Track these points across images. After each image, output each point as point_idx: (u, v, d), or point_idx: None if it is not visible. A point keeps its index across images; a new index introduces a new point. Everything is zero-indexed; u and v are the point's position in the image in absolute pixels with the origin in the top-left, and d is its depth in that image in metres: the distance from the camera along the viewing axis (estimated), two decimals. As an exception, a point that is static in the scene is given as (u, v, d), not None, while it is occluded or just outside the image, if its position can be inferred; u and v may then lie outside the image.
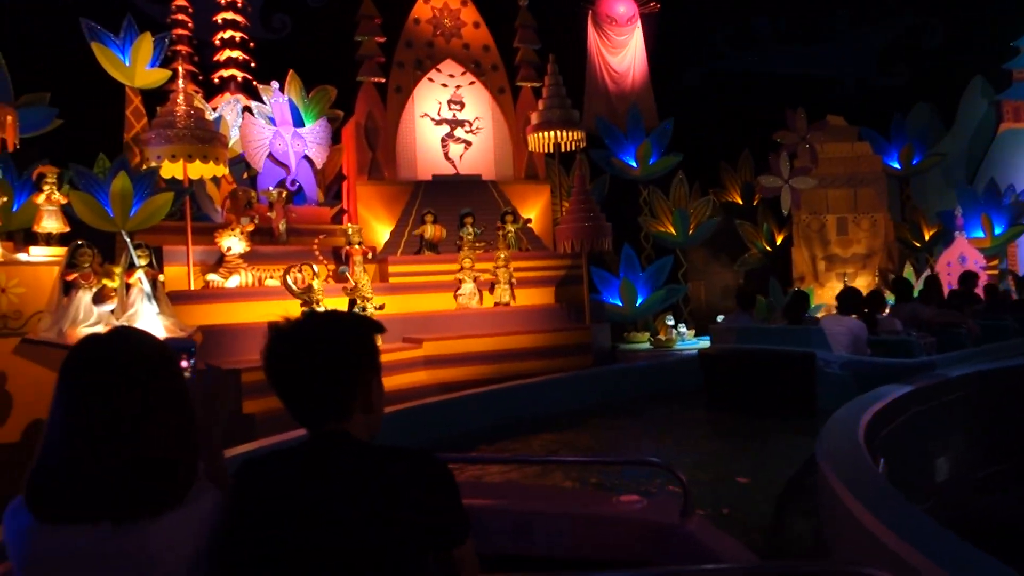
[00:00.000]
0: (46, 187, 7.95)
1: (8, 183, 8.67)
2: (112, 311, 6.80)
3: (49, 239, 7.93)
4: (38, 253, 7.78)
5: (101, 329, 6.55)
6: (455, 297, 11.30)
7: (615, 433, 7.43)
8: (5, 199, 8.03)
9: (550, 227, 13.52)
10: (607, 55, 16.72)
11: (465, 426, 6.74)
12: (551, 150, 13.32)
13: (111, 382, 1.59)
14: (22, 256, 7.75)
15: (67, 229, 8.03)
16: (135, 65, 11.17)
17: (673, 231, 14.70)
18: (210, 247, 10.35)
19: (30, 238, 8.19)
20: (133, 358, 1.64)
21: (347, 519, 1.61)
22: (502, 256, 11.50)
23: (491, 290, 11.49)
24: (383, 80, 13.15)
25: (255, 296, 9.98)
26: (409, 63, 13.46)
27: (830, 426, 4.16)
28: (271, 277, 10.54)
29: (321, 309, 9.29)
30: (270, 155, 12.17)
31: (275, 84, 12.25)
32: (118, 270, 6.97)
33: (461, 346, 10.08)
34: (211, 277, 10.11)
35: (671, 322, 13.49)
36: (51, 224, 7.98)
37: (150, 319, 6.93)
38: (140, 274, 6.97)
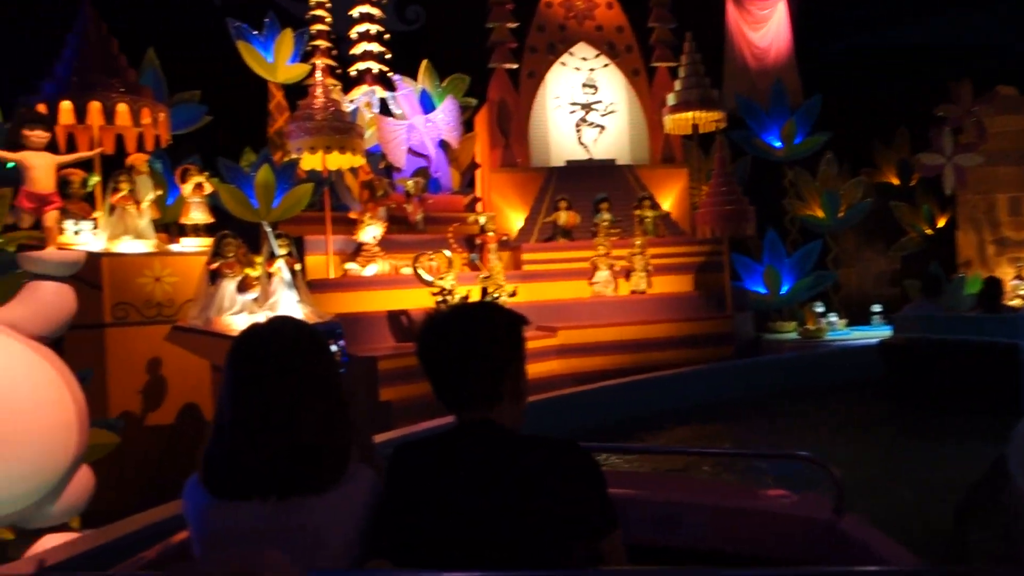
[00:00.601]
0: (192, 180, 8.26)
1: (163, 177, 9.09)
2: (255, 299, 6.98)
3: (197, 230, 8.25)
4: (188, 243, 8.10)
5: (244, 317, 6.75)
6: (590, 284, 11.04)
7: (761, 429, 6.99)
8: (160, 192, 8.41)
9: (688, 212, 13.01)
10: (748, 30, 15.90)
11: (600, 418, 6.50)
12: (689, 132, 12.79)
13: (267, 373, 1.71)
14: (174, 247, 8.10)
15: (212, 220, 8.33)
16: (277, 61, 11.51)
17: (821, 214, 13.79)
18: (348, 236, 10.54)
19: (181, 230, 8.55)
20: (288, 348, 1.75)
21: (487, 507, 1.64)
22: (638, 242, 11.14)
23: (627, 277, 11.15)
24: (515, 66, 13.02)
25: (391, 284, 10.09)
26: (541, 47, 13.26)
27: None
28: (407, 266, 10.62)
29: (456, 298, 9.32)
30: (409, 148, 12.29)
31: (397, 76, 12.37)
32: (260, 259, 7.14)
33: (596, 335, 9.82)
34: (349, 266, 10.29)
35: (820, 310, 12.66)
36: (198, 216, 8.30)
37: (290, 306, 7.07)
38: (281, 263, 7.12)
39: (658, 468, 5.29)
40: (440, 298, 9.31)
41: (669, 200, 13.05)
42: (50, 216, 4.65)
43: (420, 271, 9.38)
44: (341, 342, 2.44)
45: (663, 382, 7.35)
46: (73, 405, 4.28)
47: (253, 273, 6.99)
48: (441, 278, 9.38)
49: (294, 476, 1.68)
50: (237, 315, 6.80)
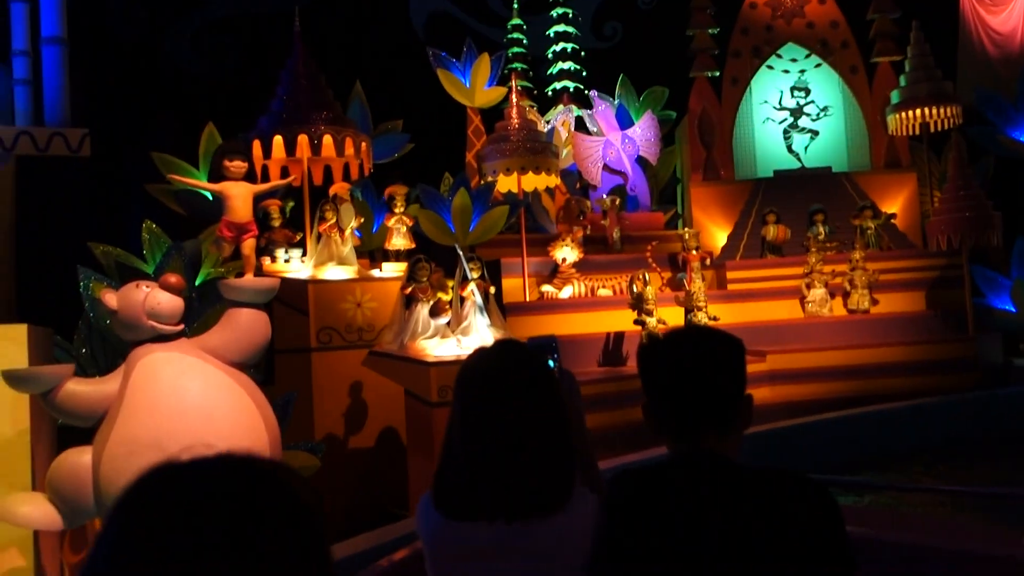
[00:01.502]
0: (396, 208, 8.45)
1: (368, 205, 9.40)
2: (448, 323, 6.94)
3: (398, 255, 8.42)
4: (388, 269, 8.28)
5: (437, 341, 6.71)
6: (803, 304, 10.14)
7: (1011, 467, 5.96)
8: (363, 220, 8.67)
9: (918, 221, 11.71)
10: (985, 15, 14.17)
11: (820, 455, 5.78)
12: (917, 132, 11.52)
13: (494, 398, 1.78)
14: (375, 272, 8.30)
15: (413, 246, 8.46)
16: (474, 86, 11.64)
17: (1085, 219, 11.88)
18: (545, 258, 10.40)
19: (385, 255, 8.76)
20: (513, 373, 1.81)
21: (715, 545, 1.55)
22: (859, 256, 10.10)
23: (845, 296, 10.13)
24: (717, 73, 12.38)
25: (588, 307, 9.83)
26: (746, 51, 12.52)
27: None
28: (603, 287, 10.32)
29: (655, 320, 8.86)
30: (605, 166, 12.02)
31: (594, 93, 12.12)
32: (452, 283, 7.11)
33: (811, 360, 8.94)
34: (545, 288, 10.14)
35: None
36: (399, 242, 8.47)
37: (482, 331, 6.96)
38: (473, 287, 7.04)
39: (892, 507, 4.63)
40: (640, 319, 8.91)
41: (895, 209, 11.77)
42: (248, 244, 4.79)
43: (636, 289, 8.99)
44: (556, 355, 2.50)
45: (893, 415, 6.45)
46: (265, 431, 4.33)
47: (445, 297, 6.97)
48: (641, 299, 8.96)
49: (521, 500, 1.74)
50: (430, 340, 6.79)
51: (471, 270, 7.09)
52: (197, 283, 6.65)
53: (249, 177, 4.90)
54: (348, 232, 8.28)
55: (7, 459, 4.42)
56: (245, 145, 5.13)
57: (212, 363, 4.32)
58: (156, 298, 4.18)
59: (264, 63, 9.48)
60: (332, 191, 8.52)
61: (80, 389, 4.10)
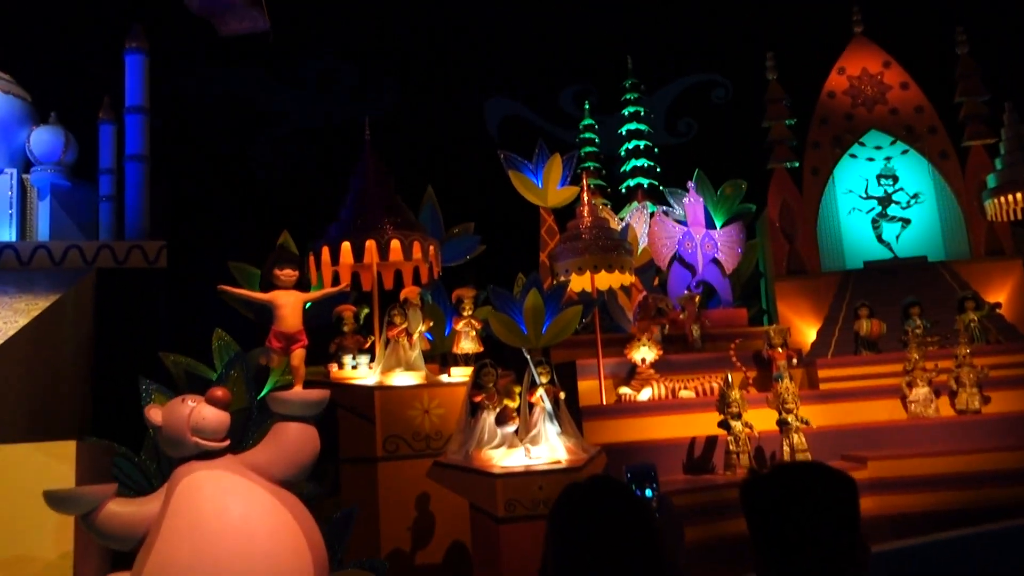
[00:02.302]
0: (464, 311, 8.28)
1: (439, 308, 9.26)
2: (515, 432, 6.59)
3: (467, 360, 8.18)
4: (457, 374, 8.04)
5: (504, 451, 6.35)
6: (905, 404, 9.38)
7: None
8: (432, 323, 8.51)
9: (1028, 311, 10.84)
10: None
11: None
12: (1019, 216, 10.79)
13: (588, 535, 1.79)
14: (443, 378, 8.07)
15: (481, 349, 8.23)
16: (547, 186, 11.61)
17: None
18: (622, 359, 9.99)
19: (454, 360, 8.54)
20: (607, 510, 1.82)
21: None
22: (965, 352, 9.32)
23: (952, 395, 9.33)
24: (796, 164, 12.03)
25: (669, 410, 9.34)
26: (826, 142, 12.17)
27: None
28: (685, 388, 9.81)
29: (742, 424, 8.29)
30: (677, 256, 11.69)
31: (691, 184, 11.93)
32: (519, 389, 6.79)
33: (917, 466, 8.14)
34: (623, 390, 9.70)
35: None
36: (467, 345, 8.26)
37: (552, 440, 6.58)
38: (541, 392, 6.70)
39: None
40: (725, 423, 8.38)
41: (1000, 299, 10.96)
42: (297, 355, 4.64)
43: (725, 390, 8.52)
44: (655, 484, 2.53)
45: (1017, 534, 5.68)
46: (309, 553, 4.04)
47: (512, 404, 6.63)
48: (725, 400, 8.44)
49: None
50: (497, 449, 6.43)
51: (540, 374, 6.76)
52: (262, 394, 6.54)
53: (303, 286, 4.78)
54: (416, 336, 8.12)
55: (48, 584, 4.26)
56: (295, 254, 5.04)
57: (257, 482, 4.09)
58: (201, 413, 4.02)
59: (340, 171, 9.70)
60: (403, 295, 8.44)
61: (121, 510, 3.93)
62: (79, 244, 7.81)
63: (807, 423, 8.44)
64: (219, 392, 4.08)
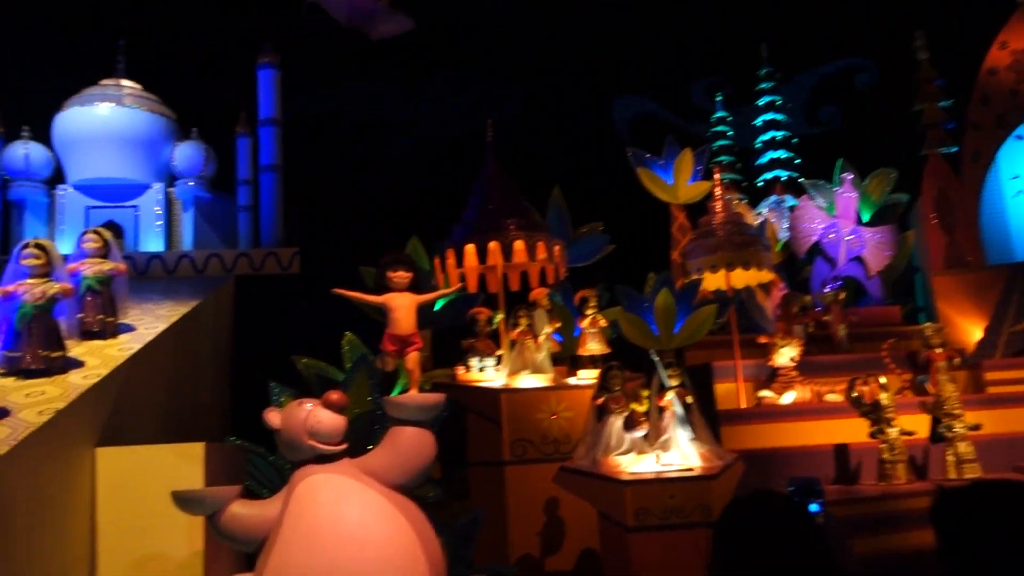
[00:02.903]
0: (588, 311, 8.05)
1: (567, 309, 9.07)
2: (644, 436, 6.28)
3: (593, 361, 7.95)
4: (584, 376, 7.82)
5: (632, 457, 6.06)
6: (1090, 410, 8.36)
7: None
8: (558, 324, 8.33)
9: None
10: None
11: None
12: None
13: (753, 552, 1.77)
14: (571, 380, 7.87)
15: (608, 351, 7.98)
16: (677, 182, 11.20)
17: None
18: (762, 361, 9.43)
19: (580, 362, 8.32)
20: (771, 528, 1.78)
21: None
22: None
23: None
24: (954, 148, 11.06)
25: (814, 415, 8.70)
26: (988, 123, 11.11)
27: None
28: (832, 391, 9.13)
29: (896, 431, 7.62)
30: (818, 247, 11.00)
31: (849, 175, 11.21)
32: (647, 393, 6.48)
33: (1108, 480, 7.20)
34: (763, 394, 9.14)
35: None
36: (593, 346, 8.02)
37: (684, 445, 6.23)
38: (672, 396, 6.36)
39: None
40: (879, 430, 7.73)
41: None
42: (411, 358, 4.54)
43: (856, 396, 7.89)
44: (822, 499, 2.43)
45: None
46: (424, 559, 3.93)
47: (640, 408, 6.33)
48: (875, 406, 7.78)
49: None
50: (625, 455, 6.15)
51: (669, 377, 6.43)
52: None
53: (416, 287, 4.66)
54: (542, 338, 7.97)
55: (179, 582, 4.35)
56: (408, 256, 4.96)
57: (373, 487, 4.03)
58: (317, 416, 3.99)
59: (468, 177, 9.73)
60: (531, 297, 8.32)
61: (243, 512, 3.95)
62: (219, 252, 8.18)
63: (978, 427, 7.66)
64: (335, 396, 4.04)
